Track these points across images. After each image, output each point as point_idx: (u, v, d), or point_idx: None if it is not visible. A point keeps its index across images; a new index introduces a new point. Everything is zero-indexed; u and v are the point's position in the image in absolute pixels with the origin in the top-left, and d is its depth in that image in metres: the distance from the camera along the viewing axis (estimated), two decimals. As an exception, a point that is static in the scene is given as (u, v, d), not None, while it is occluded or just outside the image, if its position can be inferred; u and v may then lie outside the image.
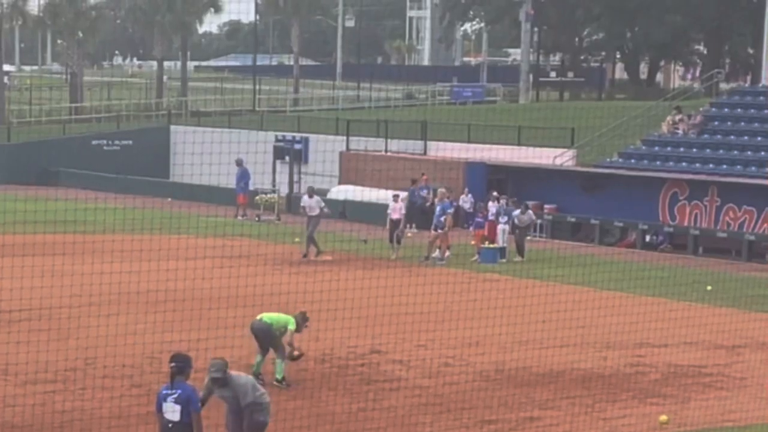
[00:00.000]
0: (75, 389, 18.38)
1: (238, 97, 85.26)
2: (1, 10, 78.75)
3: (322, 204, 35.39)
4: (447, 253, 34.65)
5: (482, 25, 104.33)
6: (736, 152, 41.51)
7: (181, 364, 12.23)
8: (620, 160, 43.21)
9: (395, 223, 35.49)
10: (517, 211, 36.26)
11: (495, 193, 38.30)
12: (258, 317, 19.46)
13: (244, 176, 44.58)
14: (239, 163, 43.50)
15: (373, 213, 40.18)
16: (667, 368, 21.31)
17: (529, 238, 36.77)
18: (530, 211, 36.83)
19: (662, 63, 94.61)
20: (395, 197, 36.57)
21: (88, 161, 54.97)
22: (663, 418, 17.59)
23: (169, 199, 46.69)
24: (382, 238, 35.21)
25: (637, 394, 19.37)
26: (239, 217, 43.08)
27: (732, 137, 42.58)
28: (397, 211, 35.79)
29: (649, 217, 39.93)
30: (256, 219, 42.75)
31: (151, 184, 51.27)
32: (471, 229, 37.58)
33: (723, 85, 59.75)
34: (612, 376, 20.59)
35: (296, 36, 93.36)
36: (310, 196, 35.30)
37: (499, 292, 25.29)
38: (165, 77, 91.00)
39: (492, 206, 37.17)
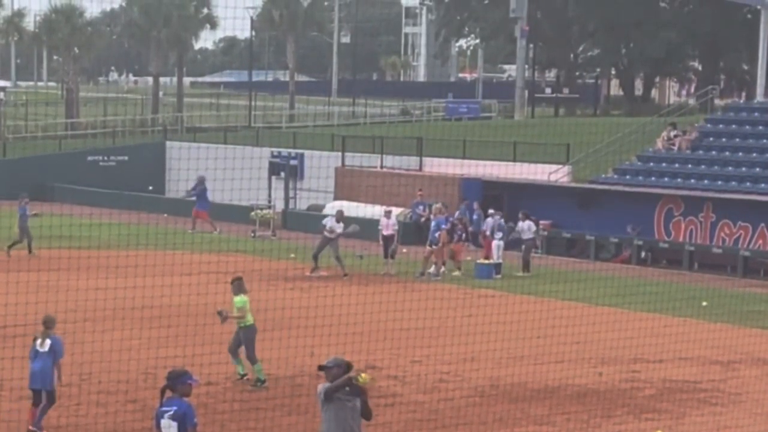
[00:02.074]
0: (70, 405, 18.35)
1: (233, 113, 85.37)
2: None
3: (348, 229, 34.79)
4: (442, 269, 34.69)
5: (477, 41, 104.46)
6: (731, 168, 41.56)
7: (169, 382, 12.20)
8: (615, 176, 43.22)
9: (388, 239, 35.49)
10: (521, 223, 36.20)
11: (491, 211, 38.15)
12: (249, 323, 20.07)
13: (206, 192, 44.09)
14: (202, 180, 42.95)
15: (369, 229, 40.17)
16: (663, 383, 21.32)
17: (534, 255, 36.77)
18: (529, 221, 36.60)
19: (657, 79, 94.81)
20: (387, 213, 36.53)
21: (84, 177, 54.94)
22: (658, 433, 17.63)
23: (165, 215, 46.67)
24: (377, 254, 35.25)
25: (632, 410, 19.37)
26: (190, 231, 42.24)
27: (727, 153, 42.63)
28: (389, 227, 35.77)
29: (645, 233, 39.93)
30: (252, 234, 42.75)
31: (147, 199, 51.26)
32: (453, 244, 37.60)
33: (718, 101, 59.85)
34: (607, 392, 20.58)
35: (292, 52, 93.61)
36: (338, 221, 34.31)
37: (494, 307, 25.31)
38: (161, 93, 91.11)
39: (489, 221, 37.25)
